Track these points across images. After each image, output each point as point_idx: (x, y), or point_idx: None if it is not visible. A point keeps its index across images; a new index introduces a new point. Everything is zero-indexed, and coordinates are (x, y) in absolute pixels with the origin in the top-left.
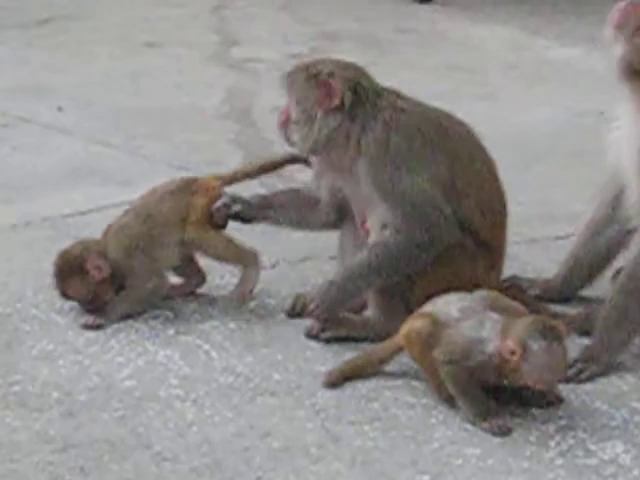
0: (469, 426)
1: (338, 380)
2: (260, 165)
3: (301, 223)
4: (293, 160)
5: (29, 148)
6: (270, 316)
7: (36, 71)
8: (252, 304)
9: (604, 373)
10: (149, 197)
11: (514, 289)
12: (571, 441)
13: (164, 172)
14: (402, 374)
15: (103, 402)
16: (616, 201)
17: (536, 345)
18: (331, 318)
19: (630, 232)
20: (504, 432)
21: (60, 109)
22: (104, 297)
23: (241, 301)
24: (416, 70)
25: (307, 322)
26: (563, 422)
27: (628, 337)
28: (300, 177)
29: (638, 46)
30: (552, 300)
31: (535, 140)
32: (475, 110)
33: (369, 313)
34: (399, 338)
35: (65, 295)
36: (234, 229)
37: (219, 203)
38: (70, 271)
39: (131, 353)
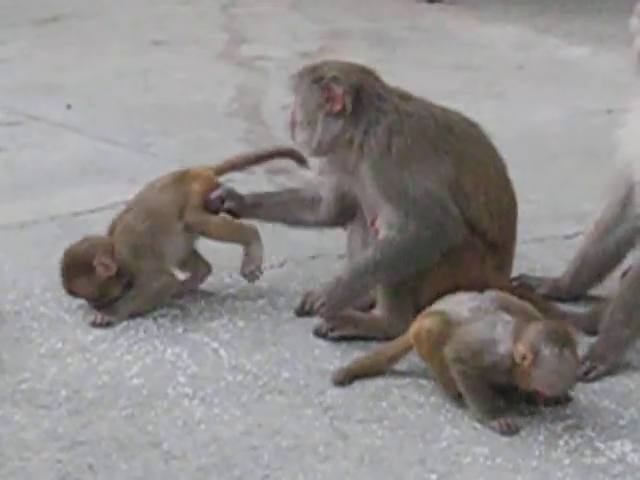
0: (477, 425)
1: (347, 379)
2: (246, 157)
3: (294, 222)
4: (279, 154)
5: (38, 146)
6: (279, 314)
7: (45, 69)
8: (260, 302)
9: (612, 372)
10: (147, 193)
11: (523, 288)
12: (579, 440)
13: (173, 170)
14: (411, 373)
15: (111, 400)
16: (626, 200)
17: (547, 351)
18: (337, 315)
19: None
20: (512, 431)
21: (69, 107)
22: (111, 294)
23: (253, 280)
24: (425, 69)
25: (316, 320)
26: (571, 421)
27: (635, 335)
28: (308, 175)
29: None
30: (561, 299)
31: (544, 139)
32: (484, 109)
33: (378, 312)
34: (408, 336)
35: (72, 293)
36: None
37: (214, 195)
38: (77, 269)
39: (139, 351)
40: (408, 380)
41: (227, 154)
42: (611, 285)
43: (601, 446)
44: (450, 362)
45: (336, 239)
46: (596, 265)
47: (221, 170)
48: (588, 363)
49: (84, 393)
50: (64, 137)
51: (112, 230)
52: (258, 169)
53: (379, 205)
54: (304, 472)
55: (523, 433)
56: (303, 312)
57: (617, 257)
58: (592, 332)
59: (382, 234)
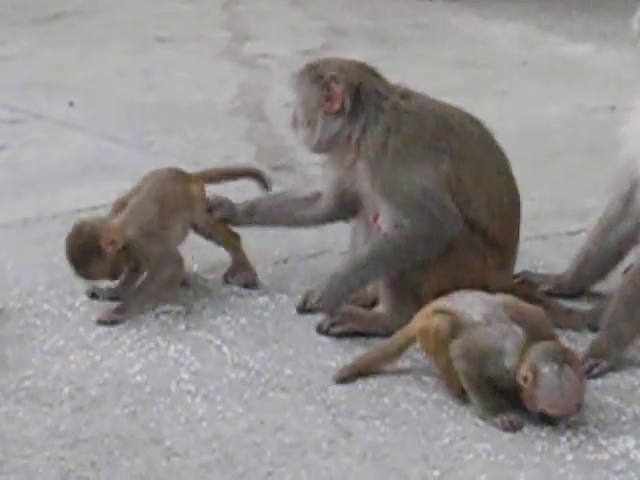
0: (480, 421)
1: (349, 375)
2: (220, 171)
3: (291, 223)
4: (250, 174)
5: (40, 144)
6: (281, 311)
7: (47, 67)
8: (263, 299)
9: (615, 368)
10: (154, 180)
11: (525, 285)
12: (582, 436)
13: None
14: (413, 370)
15: (114, 397)
16: (629, 196)
17: (547, 369)
18: (339, 311)
19: None
20: (515, 427)
21: (71, 104)
22: (123, 269)
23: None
24: (427, 66)
25: (318, 317)
26: (574, 417)
27: (636, 330)
28: (312, 172)
29: None
30: (563, 296)
31: (547, 136)
32: (487, 106)
33: (380, 309)
34: (410, 331)
35: (88, 278)
36: None
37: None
38: (87, 254)
39: (142, 348)
40: (410, 377)
41: (229, 152)
42: (614, 281)
43: (604, 442)
44: (455, 358)
45: (338, 236)
46: (599, 262)
47: (202, 178)
48: (591, 360)
49: (87, 390)
50: (66, 135)
51: (117, 210)
52: (261, 166)
53: (377, 203)
54: (307, 469)
55: (525, 429)
56: (304, 309)
57: (620, 253)
58: (596, 329)
59: (382, 231)
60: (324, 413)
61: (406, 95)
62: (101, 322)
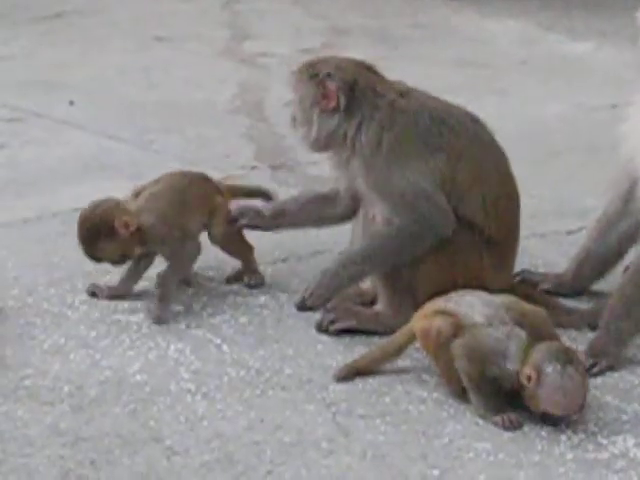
0: (480, 420)
1: (349, 374)
2: (237, 187)
3: (318, 222)
4: (259, 194)
5: (41, 142)
6: (281, 310)
7: (47, 66)
8: (263, 298)
9: (614, 366)
10: (177, 177)
11: (525, 284)
12: (582, 435)
13: (175, 166)
14: (413, 368)
15: (114, 396)
16: (629, 194)
17: (550, 368)
18: (325, 305)
19: None
20: (515, 426)
21: (72, 103)
22: (132, 253)
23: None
24: (428, 65)
25: (318, 316)
26: (574, 416)
27: (635, 329)
28: (311, 171)
29: None
30: (563, 295)
31: (547, 135)
32: (487, 105)
33: (378, 307)
34: (411, 329)
35: (96, 258)
36: None
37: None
38: (99, 234)
39: (142, 347)
40: (411, 375)
41: (229, 151)
42: (614, 280)
43: (604, 441)
44: (457, 357)
45: (338, 235)
46: (599, 260)
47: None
48: (591, 359)
49: (87, 389)
50: (67, 134)
51: (136, 195)
52: (261, 165)
53: (371, 200)
54: (307, 467)
55: (525, 428)
56: (304, 307)
57: (620, 252)
58: (595, 328)
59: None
60: (324, 412)
61: (405, 93)
62: (156, 321)
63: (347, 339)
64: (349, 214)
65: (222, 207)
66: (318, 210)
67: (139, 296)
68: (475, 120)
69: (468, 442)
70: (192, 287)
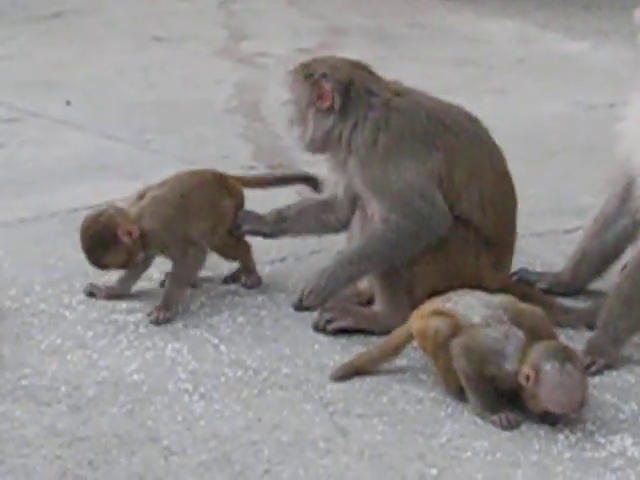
0: (478, 420)
1: (347, 374)
2: (277, 177)
3: (321, 228)
4: (304, 180)
5: (38, 142)
6: (279, 310)
7: (45, 66)
8: (261, 298)
9: (612, 365)
10: (184, 179)
11: (522, 283)
12: (579, 434)
13: (173, 166)
14: (411, 368)
15: (111, 396)
16: (626, 194)
17: (549, 366)
18: (324, 305)
19: (639, 223)
20: (512, 425)
21: (69, 103)
22: (136, 258)
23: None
24: (425, 64)
25: (315, 316)
26: (572, 415)
27: (633, 328)
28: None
29: None
30: (561, 294)
31: (544, 134)
32: (484, 104)
33: (376, 307)
34: (408, 329)
35: (103, 267)
36: None
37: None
38: (104, 244)
39: (139, 347)
40: (408, 375)
41: (226, 150)
42: (611, 279)
43: (601, 440)
44: (455, 357)
45: (335, 235)
46: (596, 259)
47: (249, 184)
48: (588, 358)
49: (84, 389)
50: (64, 134)
51: (140, 197)
52: (258, 165)
53: (368, 199)
54: (304, 467)
55: (523, 427)
56: (301, 307)
57: (617, 251)
58: (593, 327)
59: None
60: (321, 411)
61: (401, 92)
62: (154, 323)
63: (344, 339)
64: (349, 219)
65: (228, 214)
66: (319, 215)
67: (137, 296)
68: (472, 119)
69: (466, 441)
70: (197, 288)
